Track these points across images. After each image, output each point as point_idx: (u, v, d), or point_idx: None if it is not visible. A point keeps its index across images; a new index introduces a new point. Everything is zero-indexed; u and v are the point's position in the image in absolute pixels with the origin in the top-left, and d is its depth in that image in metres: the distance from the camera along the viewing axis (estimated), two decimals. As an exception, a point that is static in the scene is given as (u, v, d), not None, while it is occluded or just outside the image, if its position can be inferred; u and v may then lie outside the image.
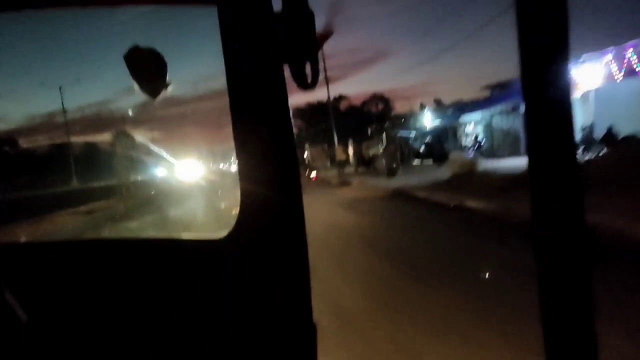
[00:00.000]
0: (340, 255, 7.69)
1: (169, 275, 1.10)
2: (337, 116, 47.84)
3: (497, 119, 24.79)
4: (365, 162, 24.27)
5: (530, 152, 0.71)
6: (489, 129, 25.31)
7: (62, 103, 37.97)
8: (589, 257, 0.69)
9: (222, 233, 1.07)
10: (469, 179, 13.34)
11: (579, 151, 15.54)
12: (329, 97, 35.08)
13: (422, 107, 45.08)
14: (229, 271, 1.07)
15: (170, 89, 1.17)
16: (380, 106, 53.70)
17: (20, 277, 0.94)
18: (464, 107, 28.70)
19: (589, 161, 10.85)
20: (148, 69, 1.14)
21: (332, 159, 32.23)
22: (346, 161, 26.23)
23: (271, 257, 1.04)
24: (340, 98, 48.42)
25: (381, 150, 23.55)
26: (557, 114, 0.70)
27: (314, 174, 24.68)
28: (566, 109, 0.70)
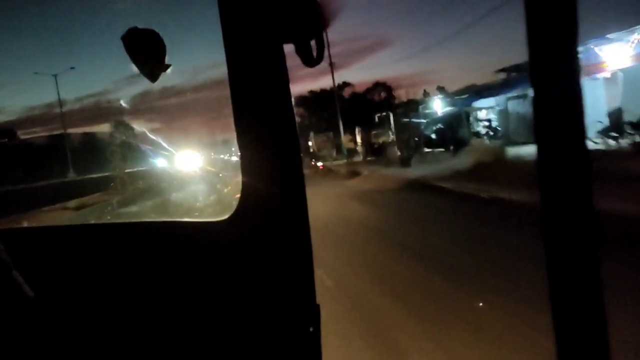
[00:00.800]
0: (357, 252, 6.55)
1: (172, 256, 1.11)
2: (342, 104, 46.57)
3: (513, 103, 23.44)
4: (374, 151, 22.84)
5: (538, 140, 0.70)
6: (503, 114, 23.96)
7: (57, 92, 36.61)
8: (598, 247, 0.68)
9: (224, 216, 1.05)
10: (496, 168, 12.05)
11: (612, 138, 14.30)
12: (334, 83, 33.72)
13: (426, 94, 44.12)
14: (231, 252, 1.06)
15: (169, 71, 1.12)
16: (383, 94, 52.23)
17: (26, 260, 0.83)
18: (476, 91, 27.27)
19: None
20: (147, 50, 1.10)
21: (338, 148, 30.87)
22: (354, 150, 24.85)
23: (273, 238, 1.03)
24: (343, 85, 46.98)
25: (392, 138, 22.20)
26: (566, 101, 0.68)
27: (320, 163, 23.36)
28: (576, 96, 0.69)
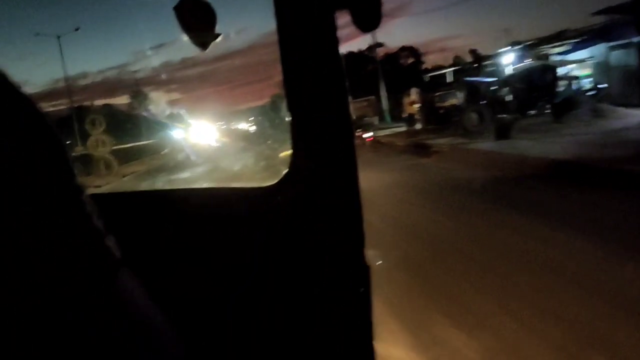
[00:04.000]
0: None
1: (225, 220, 1.09)
2: (374, 66, 40.52)
3: (618, 54, 17.37)
4: (438, 118, 17.06)
5: None
6: (602, 68, 17.90)
7: (61, 54, 31.59)
8: None
9: (273, 181, 1.02)
10: None
11: None
12: (374, 41, 27.64)
13: (457, 59, 38.50)
14: (281, 216, 1.03)
15: (219, 39, 1.06)
16: (411, 60, 46.10)
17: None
18: (555, 41, 21.08)
19: None
20: (198, 20, 1.04)
21: (381, 115, 25.11)
22: (412, 116, 18.95)
23: (324, 201, 0.99)
24: (376, 46, 40.73)
25: (462, 101, 16.35)
26: None
27: (369, 133, 17.66)
28: None
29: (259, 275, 1.04)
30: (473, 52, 36.44)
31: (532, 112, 16.98)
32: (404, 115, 21.04)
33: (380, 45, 41.70)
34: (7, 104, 0.53)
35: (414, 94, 18.28)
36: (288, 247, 1.02)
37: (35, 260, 0.53)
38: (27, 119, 0.55)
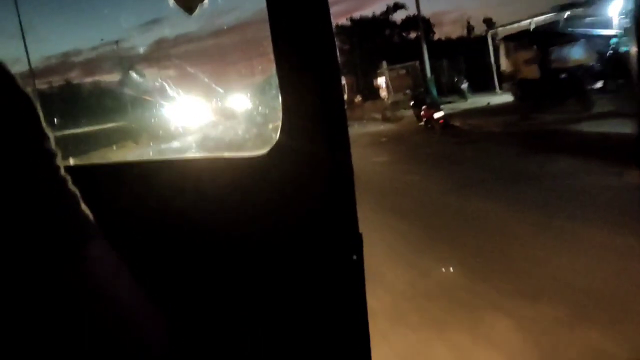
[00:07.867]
0: None
1: (216, 188, 1.05)
2: (391, 33, 33.88)
3: None
4: (558, 85, 10.34)
5: None
6: None
7: (19, 18, 24.76)
8: None
9: (263, 150, 0.96)
10: None
11: None
12: (395, 3, 20.79)
13: (470, 27, 32.82)
14: (272, 185, 0.99)
15: (206, 2, 0.99)
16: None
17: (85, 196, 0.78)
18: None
19: None
20: None
21: (426, 86, 18.63)
22: (519, 83, 12.18)
23: (315, 169, 0.96)
24: (395, 8, 33.86)
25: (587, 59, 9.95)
26: None
27: (439, 113, 11.25)
28: None
29: (249, 245, 1.00)
30: (489, 20, 30.05)
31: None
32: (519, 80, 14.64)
33: (399, 7, 34.84)
34: None
35: (505, 51, 11.70)
36: (280, 217, 0.98)
37: (2, 224, 0.48)
38: None
